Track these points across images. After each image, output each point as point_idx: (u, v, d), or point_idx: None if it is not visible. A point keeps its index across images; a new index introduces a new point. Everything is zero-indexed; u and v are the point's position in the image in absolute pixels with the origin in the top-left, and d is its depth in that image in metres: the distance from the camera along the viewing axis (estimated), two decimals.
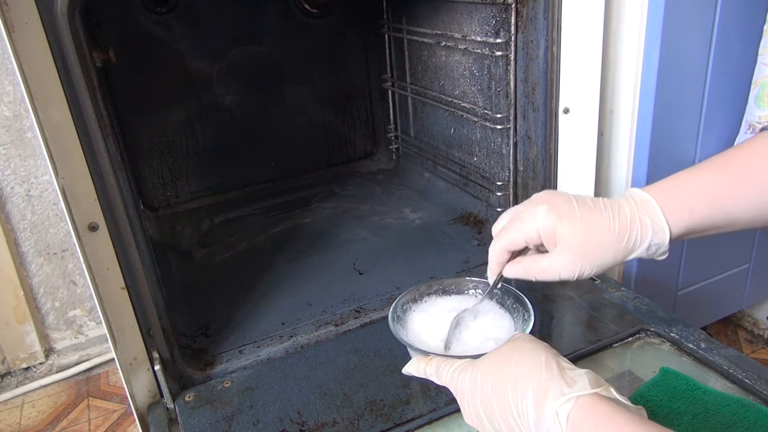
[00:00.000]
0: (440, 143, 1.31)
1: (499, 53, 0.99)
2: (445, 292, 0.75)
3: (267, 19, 1.35)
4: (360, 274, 1.04)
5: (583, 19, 0.86)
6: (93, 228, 0.66)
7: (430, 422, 0.68)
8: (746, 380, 0.67)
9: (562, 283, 0.90)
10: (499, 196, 1.10)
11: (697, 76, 0.96)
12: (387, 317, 0.70)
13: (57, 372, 1.46)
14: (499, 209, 1.11)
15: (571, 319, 0.85)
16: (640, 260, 1.02)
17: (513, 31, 0.94)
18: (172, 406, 0.74)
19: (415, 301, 0.74)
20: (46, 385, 1.44)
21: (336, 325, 0.86)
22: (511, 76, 0.98)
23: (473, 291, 0.75)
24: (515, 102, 0.99)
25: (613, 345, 0.77)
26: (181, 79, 1.30)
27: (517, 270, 0.61)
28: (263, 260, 1.11)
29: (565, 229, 0.56)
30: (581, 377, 0.47)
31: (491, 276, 0.64)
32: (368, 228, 1.22)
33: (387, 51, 1.42)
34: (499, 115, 1.04)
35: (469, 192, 1.24)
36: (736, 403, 0.64)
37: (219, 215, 1.34)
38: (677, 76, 0.93)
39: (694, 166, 0.57)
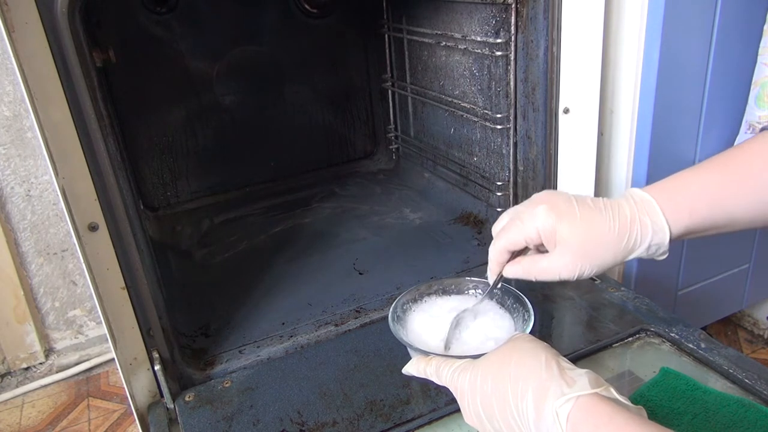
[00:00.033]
0: (440, 143, 1.31)
1: (499, 53, 0.99)
2: (445, 292, 0.75)
3: (267, 19, 1.35)
4: (360, 274, 1.04)
5: (583, 19, 0.86)
6: (93, 228, 0.66)
7: (430, 422, 0.68)
8: (746, 380, 0.67)
9: (562, 283, 0.90)
10: (499, 196, 1.10)
11: (697, 76, 0.96)
12: (387, 317, 0.70)
13: (57, 372, 1.46)
14: (499, 209, 1.11)
15: (571, 319, 0.85)
16: (640, 260, 1.02)
17: (513, 31, 0.94)
18: (172, 406, 0.74)
19: (415, 301, 0.74)
20: (46, 385, 1.44)
21: (336, 325, 0.86)
22: (511, 76, 0.98)
23: (473, 291, 0.75)
24: (515, 102, 0.99)
25: (613, 345, 0.77)
26: (181, 79, 1.30)
27: (517, 270, 0.61)
28: (263, 260, 1.11)
29: (565, 229, 0.56)
30: (581, 377, 0.47)
31: (491, 276, 0.64)
32: (368, 228, 1.22)
33: (387, 51, 1.42)
34: (499, 115, 1.04)
35: (469, 192, 1.24)
36: (736, 403, 0.64)
37: (219, 215, 1.34)
38: (677, 76, 0.93)
39: (694, 166, 0.57)
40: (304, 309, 0.92)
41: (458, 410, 0.56)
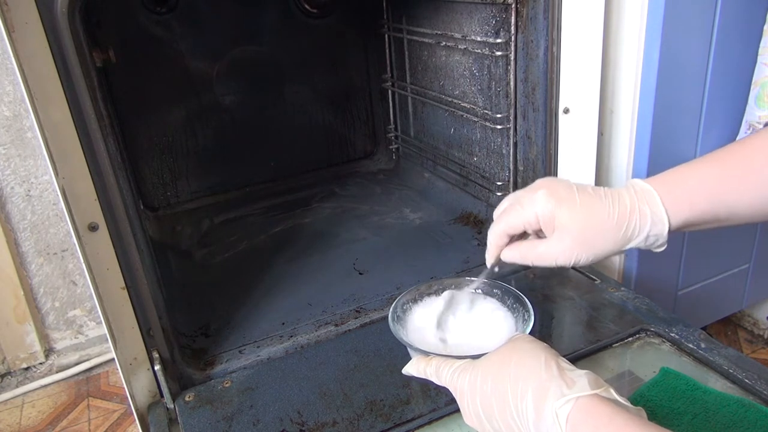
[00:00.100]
0: (440, 143, 1.31)
1: (499, 53, 0.99)
2: (458, 288, 0.75)
3: (267, 19, 1.35)
4: (360, 274, 1.04)
5: (583, 19, 0.86)
6: (93, 228, 0.66)
7: (430, 422, 0.68)
8: (746, 380, 0.67)
9: (562, 283, 0.91)
10: (499, 196, 1.10)
11: (697, 76, 0.96)
12: (387, 317, 0.70)
13: (57, 372, 1.46)
14: None
15: (571, 319, 0.85)
16: (640, 260, 1.02)
17: (513, 31, 0.94)
18: (172, 406, 0.74)
19: (415, 301, 0.74)
20: (46, 385, 1.44)
21: (336, 325, 0.86)
22: (511, 76, 0.98)
23: (473, 291, 0.75)
24: (515, 102, 0.99)
25: (613, 345, 0.77)
26: (181, 79, 1.30)
27: (515, 254, 0.61)
28: (263, 260, 1.11)
29: (564, 215, 0.56)
30: (581, 378, 0.47)
31: (489, 259, 0.64)
32: (368, 228, 1.22)
33: (387, 51, 1.42)
34: (499, 115, 1.04)
35: (469, 192, 1.24)
36: (736, 403, 0.64)
37: (219, 215, 1.34)
38: (677, 76, 0.93)
39: (696, 159, 0.57)
40: (304, 309, 0.92)
41: (458, 410, 0.56)
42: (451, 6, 1.12)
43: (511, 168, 1.06)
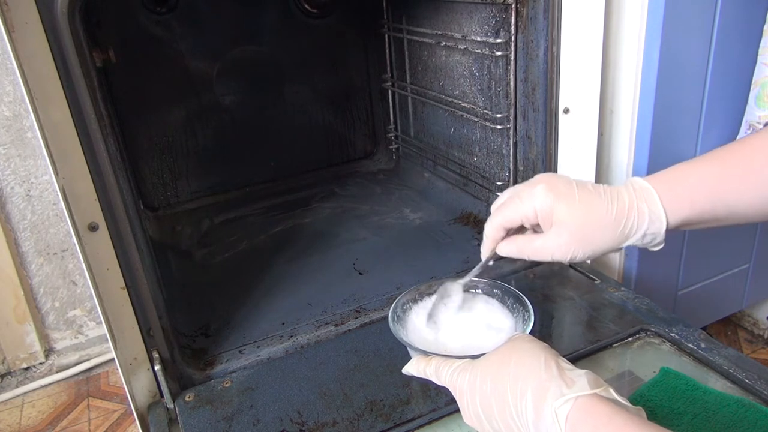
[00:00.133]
0: (440, 143, 1.31)
1: (499, 53, 0.99)
2: (451, 282, 0.75)
3: (267, 19, 1.35)
4: (360, 274, 1.04)
5: (583, 19, 0.86)
6: (93, 228, 0.66)
7: (430, 422, 0.68)
8: (746, 380, 0.67)
9: (562, 283, 0.91)
10: (499, 196, 1.10)
11: (697, 76, 0.96)
12: (387, 317, 0.70)
13: (57, 372, 1.46)
14: None
15: (571, 319, 0.85)
16: (640, 260, 1.02)
17: (513, 31, 0.94)
18: (172, 406, 0.74)
19: (415, 301, 0.74)
20: (46, 385, 1.44)
21: (336, 325, 0.86)
22: (511, 76, 0.98)
23: (473, 291, 0.75)
24: (515, 102, 0.99)
25: (613, 345, 0.77)
26: (181, 79, 1.30)
27: (511, 248, 0.61)
28: (263, 260, 1.11)
29: (562, 210, 0.56)
30: (580, 378, 0.47)
31: (484, 252, 0.63)
32: (368, 228, 1.22)
33: (387, 51, 1.42)
34: (499, 115, 1.04)
35: (469, 192, 1.24)
36: (736, 403, 0.64)
37: (219, 215, 1.34)
38: (677, 76, 0.93)
39: (697, 158, 0.57)
40: (304, 309, 0.92)
41: (458, 410, 0.56)
42: (451, 6, 1.12)
43: (511, 168, 1.06)
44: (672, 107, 0.95)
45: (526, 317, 0.67)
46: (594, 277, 0.91)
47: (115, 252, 0.68)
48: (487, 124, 1.08)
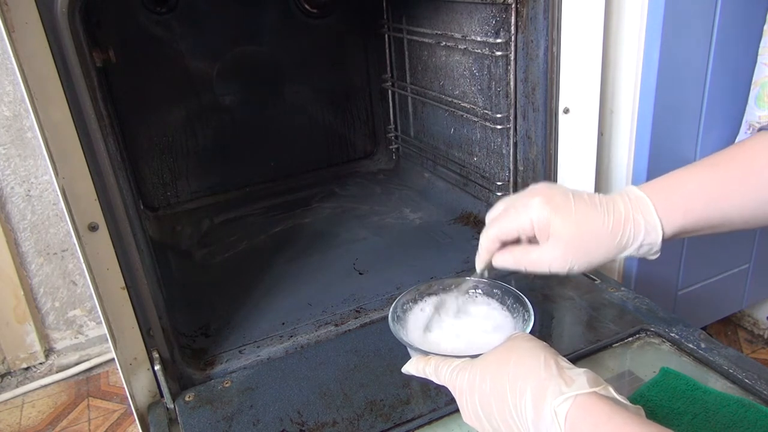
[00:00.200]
0: (440, 143, 1.31)
1: (499, 53, 0.99)
2: (445, 291, 0.75)
3: (267, 19, 1.35)
4: (360, 274, 1.04)
5: (583, 19, 0.86)
6: (93, 228, 0.66)
7: (430, 422, 0.68)
8: (746, 380, 0.67)
9: (562, 283, 0.91)
10: (499, 196, 1.10)
11: (697, 76, 0.96)
12: (387, 317, 0.70)
13: (57, 372, 1.46)
14: None
15: (571, 319, 0.85)
16: (640, 260, 1.02)
17: (513, 31, 0.94)
18: (172, 406, 0.74)
19: (415, 301, 0.74)
20: (46, 385, 1.44)
21: (336, 325, 0.86)
22: (511, 76, 0.98)
23: (473, 291, 0.75)
24: (515, 102, 0.99)
25: (613, 345, 0.77)
26: (181, 79, 1.30)
27: (508, 259, 0.60)
28: (263, 260, 1.11)
29: (558, 223, 0.56)
30: (580, 376, 0.47)
31: (479, 264, 0.63)
32: (368, 228, 1.22)
33: (387, 51, 1.42)
34: (499, 115, 1.04)
35: (469, 192, 1.24)
36: (736, 403, 0.64)
37: (219, 215, 1.34)
38: (677, 76, 0.93)
39: (691, 165, 0.57)
40: (304, 309, 0.92)
41: (458, 410, 0.56)
42: (451, 6, 1.12)
43: (511, 168, 1.06)
44: (672, 107, 0.95)
45: (526, 317, 0.67)
46: (594, 277, 0.91)
47: (115, 252, 0.68)
48: (487, 124, 1.08)
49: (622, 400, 0.46)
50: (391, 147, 1.54)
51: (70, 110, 0.62)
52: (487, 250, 0.61)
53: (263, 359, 0.81)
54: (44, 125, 0.61)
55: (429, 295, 0.74)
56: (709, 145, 1.02)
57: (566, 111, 0.91)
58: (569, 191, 0.58)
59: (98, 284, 0.69)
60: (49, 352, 1.48)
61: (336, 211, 1.32)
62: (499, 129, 1.05)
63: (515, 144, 1.03)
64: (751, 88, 1.00)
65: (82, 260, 0.67)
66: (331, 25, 1.40)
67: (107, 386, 1.45)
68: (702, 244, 1.10)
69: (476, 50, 1.08)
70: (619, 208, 0.55)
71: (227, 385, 0.76)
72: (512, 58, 0.97)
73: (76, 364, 1.48)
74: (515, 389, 0.48)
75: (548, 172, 0.95)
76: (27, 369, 1.46)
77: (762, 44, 0.98)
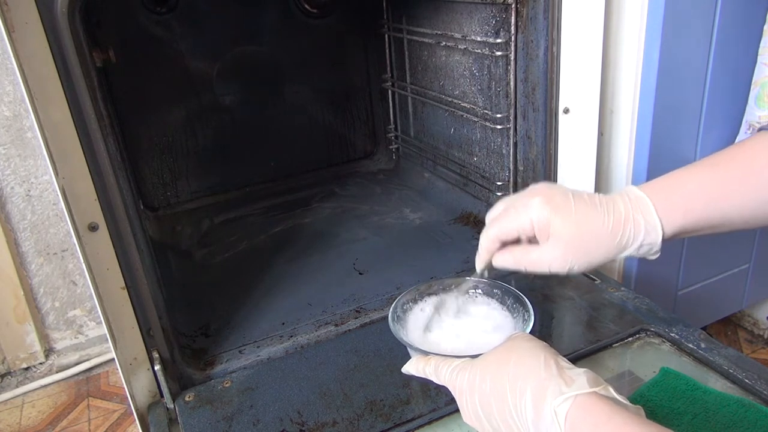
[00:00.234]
0: (440, 143, 1.31)
1: (499, 53, 0.99)
2: (445, 292, 0.75)
3: (267, 19, 1.35)
4: (360, 274, 1.04)
5: (583, 19, 0.86)
6: (93, 228, 0.66)
7: (430, 422, 0.68)
8: (746, 380, 0.67)
9: (562, 283, 0.91)
10: (499, 196, 1.10)
11: (697, 76, 0.96)
12: (387, 317, 0.70)
13: (57, 372, 1.46)
14: None
15: (571, 319, 0.85)
16: (640, 260, 1.02)
17: (513, 31, 0.94)
18: (172, 406, 0.74)
19: (415, 301, 0.74)
20: (46, 385, 1.44)
21: (336, 325, 0.86)
22: (511, 76, 0.98)
23: (473, 291, 0.75)
24: (515, 102, 0.99)
25: (613, 345, 0.77)
26: (181, 79, 1.30)
27: (508, 259, 0.60)
28: (263, 260, 1.11)
29: (559, 223, 0.56)
30: (580, 376, 0.47)
31: (479, 264, 0.63)
32: (368, 228, 1.22)
33: (387, 51, 1.42)
34: (499, 115, 1.04)
35: (469, 192, 1.24)
36: (736, 403, 0.64)
37: (219, 215, 1.34)
38: (677, 76, 0.93)
39: (691, 165, 0.57)
40: (304, 309, 0.92)
41: (458, 410, 0.56)
42: (451, 6, 1.12)
43: (511, 168, 1.06)
44: (672, 107, 0.95)
45: (526, 317, 0.67)
46: (594, 277, 0.91)
47: (115, 252, 0.68)
48: (487, 124, 1.08)
49: (622, 400, 0.46)
50: (391, 147, 1.54)
51: (70, 110, 0.62)
52: (487, 250, 0.61)
53: (263, 359, 0.81)
54: (44, 125, 0.61)
55: (429, 295, 0.74)
56: (709, 145, 1.02)
57: (566, 111, 0.91)
58: (569, 191, 0.58)
59: (98, 284, 0.69)
60: (49, 352, 1.48)
61: (336, 211, 1.32)
62: (499, 129, 1.05)
63: (515, 144, 1.03)
64: (751, 88, 1.00)
65: (82, 260, 0.67)
66: (331, 25, 1.40)
67: (107, 386, 1.45)
68: (702, 244, 1.10)
69: (476, 50, 1.08)
70: (619, 208, 0.55)
71: (227, 385, 0.76)
72: (512, 58, 0.97)
73: (76, 364, 1.48)
74: (515, 389, 0.48)
75: (548, 172, 0.95)
76: (27, 369, 1.46)
77: (762, 44, 0.98)
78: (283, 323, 0.89)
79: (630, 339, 0.78)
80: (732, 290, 1.22)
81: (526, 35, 0.92)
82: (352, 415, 0.69)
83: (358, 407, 0.70)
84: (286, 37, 1.37)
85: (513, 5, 0.92)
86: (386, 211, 1.30)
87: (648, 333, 0.78)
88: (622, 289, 0.88)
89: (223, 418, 0.70)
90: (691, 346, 0.74)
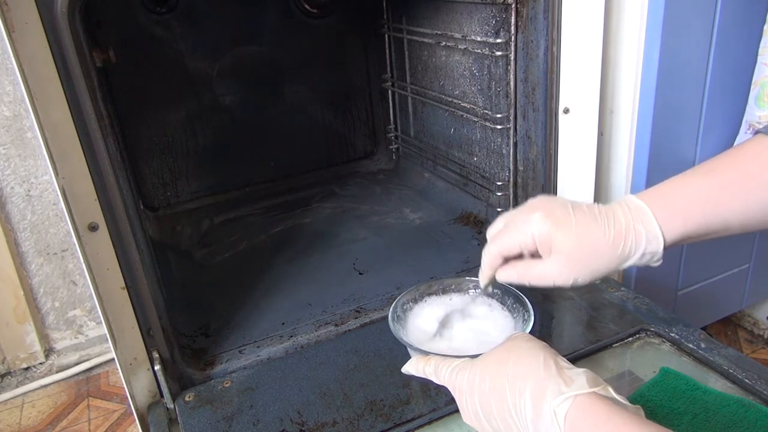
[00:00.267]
0: (440, 143, 1.31)
1: (499, 53, 0.99)
2: (445, 292, 0.75)
3: (267, 19, 1.35)
4: (360, 274, 1.04)
5: (583, 19, 0.86)
6: (93, 228, 0.66)
7: (430, 422, 0.68)
8: (746, 380, 0.67)
9: None
10: (499, 196, 1.10)
11: (697, 76, 0.96)
12: (387, 317, 0.70)
13: (57, 372, 1.46)
14: (499, 209, 1.11)
15: (571, 319, 0.85)
16: None
17: (513, 31, 0.94)
18: (172, 406, 0.74)
19: (415, 301, 0.74)
20: (46, 385, 1.44)
21: (336, 325, 0.86)
22: (511, 76, 0.98)
23: (473, 291, 0.75)
24: (515, 102, 0.99)
25: (613, 345, 0.77)
26: (181, 79, 1.30)
27: (511, 274, 0.61)
28: (263, 260, 1.11)
29: (560, 237, 0.55)
30: (579, 376, 0.47)
31: (483, 280, 0.63)
32: (368, 228, 1.22)
33: (387, 51, 1.42)
34: (499, 115, 1.04)
35: (469, 192, 1.24)
36: (736, 403, 0.64)
37: (219, 215, 1.34)
38: (677, 76, 0.93)
39: (689, 171, 0.57)
40: (304, 309, 0.92)
41: (458, 410, 0.56)
42: (451, 6, 1.12)
43: (511, 168, 1.06)
44: (672, 107, 0.95)
45: (526, 317, 0.67)
46: None
47: (115, 252, 0.68)
48: (487, 124, 1.08)
49: (622, 400, 0.46)
50: (391, 147, 1.54)
51: (70, 110, 0.62)
52: (490, 266, 0.62)
53: (263, 359, 0.81)
54: (44, 125, 0.61)
55: (429, 295, 0.74)
56: (709, 145, 1.02)
57: (566, 111, 0.91)
58: (568, 203, 0.57)
59: (98, 284, 0.69)
60: (49, 352, 1.48)
61: (336, 211, 1.32)
62: (499, 129, 1.05)
63: (515, 144, 1.03)
64: (751, 88, 1.00)
65: (82, 260, 0.67)
66: (331, 25, 1.40)
67: (107, 386, 1.45)
68: (702, 245, 1.09)
69: (476, 50, 1.08)
70: (619, 219, 0.55)
71: (227, 385, 0.76)
72: (512, 58, 0.97)
73: (76, 364, 1.48)
74: (515, 389, 0.48)
75: (548, 172, 0.95)
76: (27, 369, 1.46)
77: (762, 44, 0.98)
78: (283, 323, 0.89)
79: (630, 339, 0.78)
80: (732, 290, 1.22)
81: (526, 35, 0.92)
82: (352, 415, 0.69)
83: (358, 407, 0.70)
84: (286, 37, 1.37)
85: (513, 5, 0.92)
86: (386, 211, 1.30)
87: (648, 333, 0.78)
88: (622, 289, 0.88)
89: (223, 418, 0.70)
90: (691, 346, 0.74)
